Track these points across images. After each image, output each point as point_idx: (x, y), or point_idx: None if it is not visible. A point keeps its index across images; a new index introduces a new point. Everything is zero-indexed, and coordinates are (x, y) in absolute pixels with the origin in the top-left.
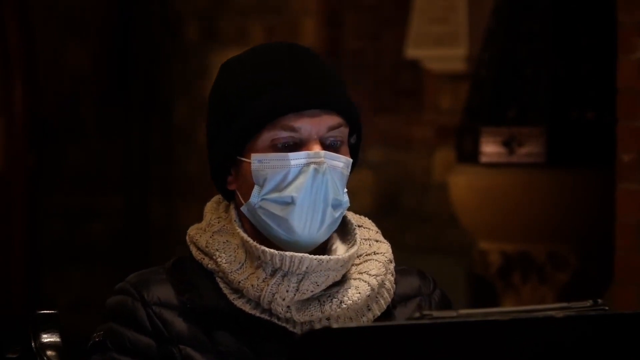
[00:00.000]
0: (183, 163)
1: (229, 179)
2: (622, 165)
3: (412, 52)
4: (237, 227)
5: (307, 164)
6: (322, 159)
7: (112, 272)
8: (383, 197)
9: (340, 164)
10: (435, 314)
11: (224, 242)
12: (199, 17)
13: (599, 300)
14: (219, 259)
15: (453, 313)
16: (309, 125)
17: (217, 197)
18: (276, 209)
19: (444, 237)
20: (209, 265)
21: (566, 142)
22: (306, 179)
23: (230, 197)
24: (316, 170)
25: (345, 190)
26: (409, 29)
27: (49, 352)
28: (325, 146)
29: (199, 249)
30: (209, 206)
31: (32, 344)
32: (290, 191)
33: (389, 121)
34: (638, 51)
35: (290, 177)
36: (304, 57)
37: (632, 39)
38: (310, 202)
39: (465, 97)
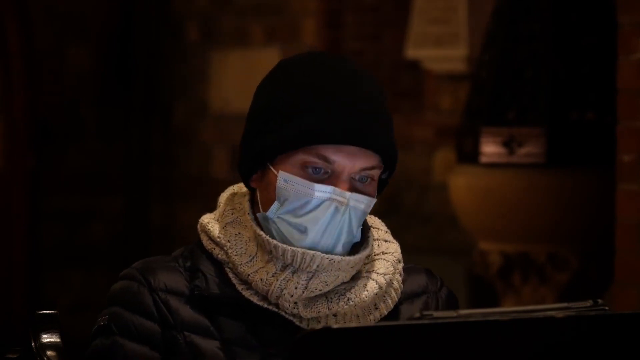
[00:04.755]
0: (183, 164)
1: (253, 177)
2: (622, 166)
3: (412, 52)
4: (250, 220)
5: (330, 200)
6: (346, 200)
7: (112, 273)
8: (383, 197)
9: (363, 205)
10: (435, 314)
11: (236, 234)
12: (199, 17)
13: (599, 301)
14: (229, 251)
15: (453, 313)
16: (344, 161)
17: (232, 188)
18: (287, 232)
19: (444, 237)
20: (219, 256)
21: (566, 143)
22: (324, 215)
23: (252, 190)
24: (337, 210)
25: (361, 226)
26: (409, 30)
27: (49, 352)
28: (354, 183)
29: (210, 238)
30: (224, 196)
31: (32, 344)
32: (306, 221)
33: None
34: (638, 52)
35: (310, 207)
36: (361, 84)
37: (632, 40)
38: (322, 237)
39: (466, 98)
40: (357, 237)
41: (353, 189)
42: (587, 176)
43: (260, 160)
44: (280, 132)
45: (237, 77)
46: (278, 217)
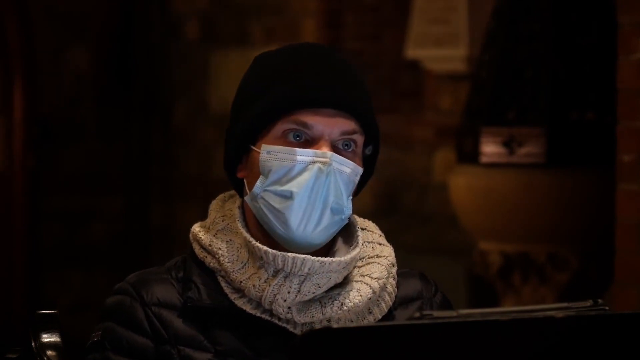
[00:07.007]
0: (183, 164)
1: (239, 167)
2: (622, 166)
3: (412, 52)
4: (240, 227)
5: (313, 162)
6: (329, 159)
7: (112, 273)
8: (383, 197)
9: (348, 170)
10: (435, 314)
11: (227, 242)
12: (199, 17)
13: (599, 301)
14: (221, 258)
15: (453, 313)
16: (322, 124)
17: (222, 195)
18: (275, 202)
19: (444, 237)
20: (211, 264)
21: (566, 143)
22: (309, 177)
23: (239, 188)
24: (320, 170)
25: (351, 197)
26: (409, 30)
27: (49, 352)
28: (337, 149)
29: (201, 247)
30: (214, 204)
31: (32, 344)
32: (291, 186)
33: (389, 121)
34: (638, 52)
35: (294, 172)
36: (334, 60)
37: (632, 40)
38: (309, 201)
39: (466, 98)
40: (348, 211)
41: (335, 151)
42: (587, 176)
43: (243, 145)
44: (255, 108)
45: (237, 77)
46: (264, 191)
